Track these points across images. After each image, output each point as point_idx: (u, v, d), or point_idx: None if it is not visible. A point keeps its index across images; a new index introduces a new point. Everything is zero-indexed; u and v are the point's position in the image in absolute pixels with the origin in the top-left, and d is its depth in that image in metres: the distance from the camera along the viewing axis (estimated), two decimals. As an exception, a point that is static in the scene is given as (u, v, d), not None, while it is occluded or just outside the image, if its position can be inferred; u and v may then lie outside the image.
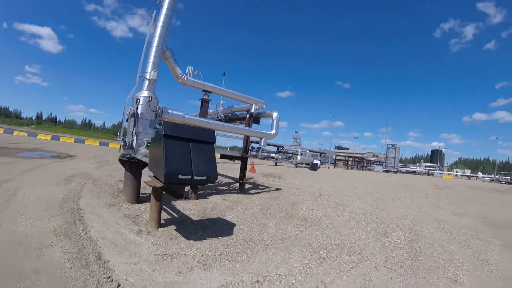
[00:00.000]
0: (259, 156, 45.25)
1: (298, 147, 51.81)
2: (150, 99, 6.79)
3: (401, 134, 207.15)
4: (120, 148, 6.95)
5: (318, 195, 11.67)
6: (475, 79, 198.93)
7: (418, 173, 68.60)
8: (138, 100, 6.76)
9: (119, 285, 3.24)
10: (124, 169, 7.10)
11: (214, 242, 4.90)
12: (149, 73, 7.09)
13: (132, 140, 6.63)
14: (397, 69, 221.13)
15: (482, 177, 67.64)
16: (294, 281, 3.83)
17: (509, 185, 43.44)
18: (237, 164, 11.92)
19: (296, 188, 13.65)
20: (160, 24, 7.54)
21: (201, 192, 8.90)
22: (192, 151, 4.42)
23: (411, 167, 79.58)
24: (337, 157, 69.93)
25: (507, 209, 13.92)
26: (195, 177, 4.28)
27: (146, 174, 7.25)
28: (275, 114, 11.19)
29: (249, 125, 11.15)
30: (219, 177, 12.76)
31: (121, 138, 6.80)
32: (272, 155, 43.75)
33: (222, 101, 12.46)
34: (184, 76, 8.51)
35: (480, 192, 23.45)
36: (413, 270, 4.60)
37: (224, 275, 3.78)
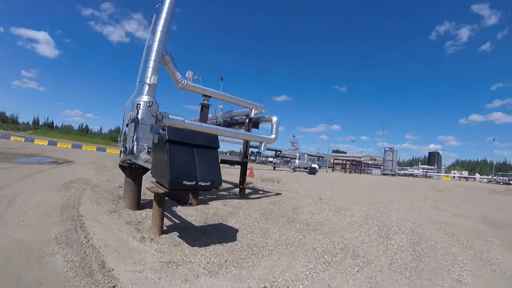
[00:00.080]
0: (257, 161, 45.21)
1: (296, 151, 51.80)
2: (150, 104, 6.76)
3: (398, 137, 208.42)
4: (120, 153, 6.89)
5: (318, 199, 11.64)
6: (471, 81, 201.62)
7: (416, 176, 68.68)
8: (139, 105, 6.72)
9: (124, 294, 3.18)
10: (124, 175, 7.04)
11: (219, 248, 4.85)
12: (149, 77, 7.07)
13: (133, 146, 6.58)
14: (393, 72, 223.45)
15: (480, 178, 67.91)
16: (301, 286, 3.82)
17: (507, 186, 43.62)
18: (235, 169, 11.88)
19: (296, 193, 13.62)
20: (159, 28, 7.55)
21: (201, 197, 8.83)
22: (196, 156, 4.39)
23: (408, 169, 79.78)
24: (335, 161, 69.96)
25: (506, 209, 13.97)
26: (199, 183, 4.24)
27: (147, 180, 7.29)
28: (274, 119, 11.20)
29: (248, 130, 11.14)
30: (219, 182, 12.69)
31: (122, 143, 6.74)
32: (270, 159, 43.71)
33: (221, 106, 12.43)
34: (184, 81, 8.49)
35: (479, 193, 23.53)
36: (418, 272, 4.64)
37: (231, 282, 3.74)
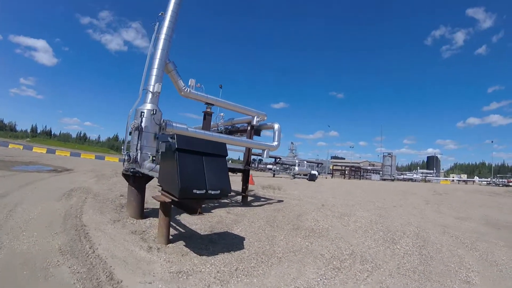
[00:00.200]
0: (256, 168, 45.12)
1: (295, 158, 51.87)
2: (154, 112, 6.74)
3: (396, 142, 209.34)
4: (123, 162, 6.83)
5: (321, 206, 11.60)
6: (467, 84, 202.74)
7: (415, 180, 68.77)
8: (142, 113, 6.69)
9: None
10: (126, 183, 6.98)
11: (227, 257, 4.79)
12: (153, 85, 7.06)
13: (137, 154, 6.53)
14: (390, 78, 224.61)
15: (479, 181, 68.12)
16: None
17: (507, 188, 43.75)
18: (237, 177, 11.83)
19: (297, 199, 13.58)
20: (162, 36, 7.56)
21: (204, 205, 8.77)
22: (205, 164, 4.35)
23: (407, 174, 79.93)
24: (334, 167, 70.00)
25: (507, 211, 14.04)
26: (209, 191, 4.19)
27: (148, 188, 7.23)
28: (276, 126, 11.21)
29: (250, 137, 11.13)
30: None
31: (125, 152, 6.68)
32: (269, 166, 43.68)
33: (222, 114, 12.45)
34: (187, 89, 8.49)
35: (479, 196, 23.60)
36: (426, 275, 4.68)
37: None
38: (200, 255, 4.72)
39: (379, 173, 69.44)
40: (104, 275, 3.63)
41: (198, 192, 4.10)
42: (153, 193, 8.84)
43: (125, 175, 6.87)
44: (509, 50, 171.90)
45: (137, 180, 6.69)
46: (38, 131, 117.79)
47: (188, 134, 7.59)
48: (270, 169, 42.17)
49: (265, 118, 11.27)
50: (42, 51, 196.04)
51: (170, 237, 5.31)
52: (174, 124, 7.34)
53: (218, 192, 4.36)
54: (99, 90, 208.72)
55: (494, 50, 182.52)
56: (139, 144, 6.52)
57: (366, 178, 66.33)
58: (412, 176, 75.27)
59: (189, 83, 8.60)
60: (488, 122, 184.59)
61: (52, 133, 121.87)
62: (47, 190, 9.12)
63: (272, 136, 11.47)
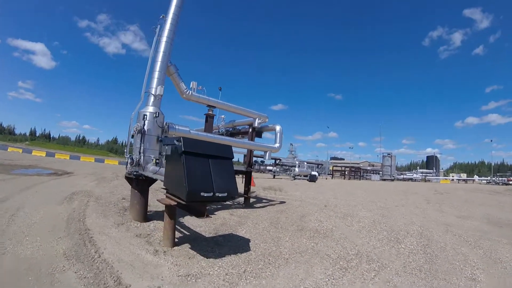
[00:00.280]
0: (256, 170, 45.12)
1: (295, 159, 51.83)
2: (156, 115, 6.71)
3: (395, 142, 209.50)
4: (126, 165, 6.79)
5: (323, 206, 11.60)
6: (465, 84, 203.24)
7: (415, 180, 68.82)
8: (145, 116, 6.66)
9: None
10: (127, 186, 6.94)
11: (235, 259, 4.76)
12: (155, 88, 7.04)
13: (140, 157, 6.49)
14: (388, 79, 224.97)
15: (479, 179, 68.12)
16: None
17: (506, 186, 43.78)
18: (237, 178, 11.81)
19: (299, 200, 13.58)
20: (164, 39, 7.55)
21: (207, 207, 8.74)
22: (212, 167, 4.32)
23: (407, 174, 79.94)
24: (334, 168, 70.03)
25: (508, 209, 14.11)
26: (216, 194, 4.17)
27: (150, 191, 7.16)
28: (278, 128, 11.21)
29: (252, 139, 11.13)
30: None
31: (128, 155, 6.64)
32: (269, 168, 43.64)
33: (223, 116, 12.45)
34: (189, 92, 8.48)
35: (479, 195, 23.69)
36: (432, 273, 4.72)
37: None
38: (207, 258, 4.68)
39: (379, 173, 69.46)
40: (112, 280, 3.58)
41: (205, 195, 4.07)
42: (155, 196, 8.85)
43: (128, 178, 6.84)
44: (507, 50, 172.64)
45: (140, 183, 6.66)
46: (37, 134, 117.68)
47: (190, 136, 7.56)
48: (270, 170, 42.16)
49: (267, 120, 11.26)
50: (41, 54, 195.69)
51: (176, 239, 5.27)
52: (176, 127, 7.31)
53: (226, 194, 4.33)
54: (97, 93, 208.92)
55: (491, 50, 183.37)
56: (142, 147, 6.49)
57: (366, 179, 66.39)
58: (412, 176, 75.29)
59: (191, 86, 8.58)
60: (486, 121, 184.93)
61: (51, 136, 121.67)
62: (48, 193, 9.06)
63: (271, 138, 11.49)
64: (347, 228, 7.74)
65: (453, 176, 77.53)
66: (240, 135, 12.37)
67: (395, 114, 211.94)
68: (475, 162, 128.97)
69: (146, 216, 6.86)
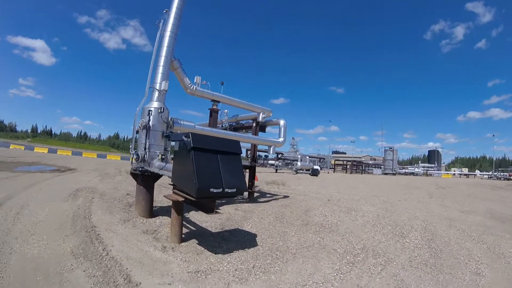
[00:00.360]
0: (259, 164, 45.18)
1: (297, 153, 51.83)
2: (161, 110, 6.65)
3: (397, 136, 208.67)
4: (131, 161, 6.76)
5: (327, 201, 11.61)
6: (467, 78, 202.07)
7: (417, 174, 68.87)
8: (150, 111, 6.60)
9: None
10: (131, 182, 6.92)
11: (243, 255, 4.75)
12: (159, 83, 6.96)
13: (145, 153, 6.46)
14: (389, 72, 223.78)
15: (480, 174, 68.18)
16: None
17: (508, 181, 43.83)
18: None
19: (303, 195, 13.59)
20: (167, 34, 7.44)
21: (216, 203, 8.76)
22: (221, 163, 4.28)
23: (409, 168, 79.98)
24: (336, 162, 70.05)
25: (510, 204, 14.12)
26: (226, 190, 4.14)
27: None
28: (282, 122, 11.17)
29: (256, 134, 11.10)
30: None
31: (133, 151, 6.60)
32: (271, 162, 43.65)
33: (226, 111, 12.39)
34: (193, 87, 8.40)
35: (481, 189, 23.73)
36: (438, 267, 4.77)
37: None
38: (216, 253, 4.67)
39: (380, 167, 69.44)
40: (122, 278, 3.54)
41: (215, 191, 4.04)
42: (158, 191, 8.83)
43: (133, 174, 6.81)
44: (509, 44, 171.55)
45: (145, 179, 6.63)
46: (39, 131, 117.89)
47: (195, 131, 7.50)
48: (272, 164, 42.19)
49: (271, 114, 11.20)
50: (41, 51, 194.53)
51: (182, 235, 5.26)
52: (181, 122, 7.26)
53: (235, 190, 4.30)
54: (98, 89, 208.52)
55: (494, 44, 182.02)
56: (147, 143, 6.44)
57: (368, 173, 66.44)
58: (414, 170, 75.36)
59: (195, 81, 8.50)
60: (488, 116, 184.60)
61: (53, 132, 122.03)
62: (52, 190, 9.06)
63: (274, 132, 11.44)
64: (351, 223, 7.75)
65: (454, 171, 77.52)
66: (243, 130, 12.33)
67: (397, 107, 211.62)
68: (476, 156, 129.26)
69: (152, 212, 6.85)
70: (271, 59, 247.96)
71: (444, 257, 5.28)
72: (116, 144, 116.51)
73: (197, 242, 5.20)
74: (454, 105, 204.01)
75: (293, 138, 67.93)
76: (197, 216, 7.12)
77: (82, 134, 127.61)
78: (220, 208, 8.49)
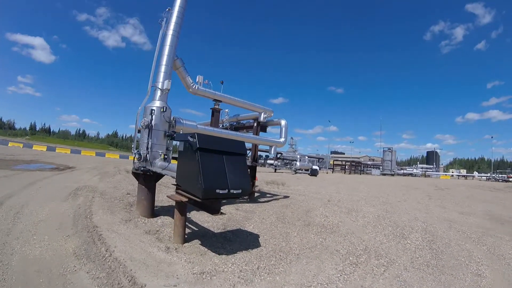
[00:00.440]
0: (258, 164, 45.03)
1: (295, 153, 51.78)
2: (164, 110, 6.61)
3: (395, 136, 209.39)
4: (133, 160, 6.71)
5: (327, 201, 11.62)
6: (466, 80, 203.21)
7: (415, 175, 68.95)
8: (153, 111, 6.55)
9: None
10: (131, 181, 6.88)
11: (247, 256, 4.74)
12: (162, 82, 6.91)
13: (147, 152, 6.42)
14: (389, 73, 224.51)
15: (479, 176, 68.34)
16: None
17: (506, 183, 43.98)
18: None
19: (303, 195, 13.59)
20: (170, 32, 7.39)
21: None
22: (226, 163, 4.26)
23: (407, 169, 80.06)
24: (335, 162, 70.08)
25: (509, 206, 14.13)
26: (231, 191, 4.11)
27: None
28: (283, 122, 11.16)
29: (257, 133, 11.08)
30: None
31: (136, 151, 6.55)
32: (270, 162, 43.59)
33: (227, 110, 12.35)
34: (195, 86, 8.36)
35: (480, 191, 23.79)
36: (439, 268, 4.82)
37: None
38: (219, 254, 4.65)
39: (379, 168, 69.46)
40: (126, 280, 3.49)
41: (221, 192, 4.02)
42: (158, 191, 8.77)
43: (135, 174, 6.76)
44: (509, 46, 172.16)
45: (147, 179, 6.59)
46: (37, 129, 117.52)
47: (197, 131, 7.45)
48: (271, 164, 42.12)
49: (272, 114, 11.18)
50: (40, 49, 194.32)
51: (185, 236, 5.22)
52: (183, 122, 7.22)
53: (240, 191, 4.27)
54: (97, 87, 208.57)
55: (493, 45, 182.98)
56: (149, 142, 6.40)
57: (367, 173, 66.53)
58: (412, 171, 75.44)
59: (197, 80, 8.46)
60: (487, 117, 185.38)
61: (51, 130, 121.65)
62: (52, 189, 8.99)
63: (273, 132, 11.42)
64: (352, 223, 7.76)
65: (452, 172, 77.70)
66: (244, 130, 12.30)
67: (396, 108, 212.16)
68: (475, 158, 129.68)
69: (153, 212, 6.82)
70: (270, 58, 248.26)
71: (445, 258, 5.32)
72: (114, 142, 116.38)
73: (200, 242, 5.17)
74: (453, 106, 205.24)
75: (291, 138, 67.84)
76: (198, 216, 7.09)
77: (80, 132, 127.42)
78: (222, 208, 8.44)
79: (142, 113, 6.81)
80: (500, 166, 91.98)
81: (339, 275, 4.27)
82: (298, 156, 43.45)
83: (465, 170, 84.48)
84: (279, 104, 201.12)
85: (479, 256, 5.55)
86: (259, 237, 5.94)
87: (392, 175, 62.25)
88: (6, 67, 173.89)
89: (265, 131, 11.88)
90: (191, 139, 4.17)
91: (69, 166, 17.82)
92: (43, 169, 15.17)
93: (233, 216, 7.65)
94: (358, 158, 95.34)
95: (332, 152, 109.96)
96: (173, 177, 5.10)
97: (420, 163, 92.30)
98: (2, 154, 21.34)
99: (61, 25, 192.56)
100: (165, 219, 6.56)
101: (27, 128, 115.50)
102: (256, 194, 12.08)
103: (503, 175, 60.35)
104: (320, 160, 64.11)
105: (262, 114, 10.78)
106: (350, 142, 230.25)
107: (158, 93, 6.87)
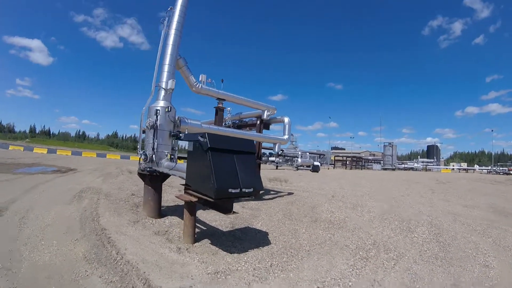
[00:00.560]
0: (262, 161, 44.96)
1: (296, 149, 51.71)
2: (169, 109, 6.56)
3: (395, 131, 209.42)
4: (139, 161, 6.68)
5: (331, 197, 11.60)
6: (465, 74, 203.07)
7: (416, 169, 68.96)
8: (157, 111, 6.50)
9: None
10: (137, 182, 6.84)
11: (258, 253, 4.74)
12: (165, 82, 6.86)
13: (153, 153, 6.38)
14: (388, 68, 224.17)
15: (479, 169, 68.37)
16: (350, 283, 3.89)
17: (507, 176, 44.03)
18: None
19: (306, 191, 13.56)
20: (172, 31, 7.32)
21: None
22: (237, 163, 4.24)
23: (408, 163, 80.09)
24: (336, 158, 70.06)
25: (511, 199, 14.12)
26: (243, 190, 4.11)
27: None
28: (286, 119, 11.13)
29: (260, 131, 11.05)
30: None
31: (141, 151, 6.51)
32: (271, 158, 43.54)
33: (229, 108, 12.29)
34: (198, 85, 8.31)
35: (482, 184, 23.79)
36: (448, 260, 4.89)
37: (283, 286, 3.68)
38: (231, 253, 4.64)
39: (380, 163, 69.45)
40: (141, 283, 3.44)
41: (233, 191, 4.01)
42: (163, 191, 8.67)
43: (141, 175, 6.73)
44: (507, 40, 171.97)
45: (154, 179, 6.56)
46: (37, 131, 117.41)
47: (202, 130, 7.43)
48: (273, 161, 42.09)
49: (275, 111, 11.16)
50: (37, 51, 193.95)
51: (195, 235, 5.20)
52: (188, 121, 7.17)
53: (252, 190, 4.27)
54: (96, 88, 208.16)
55: (491, 39, 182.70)
56: (155, 143, 6.36)
57: (368, 168, 66.56)
58: (413, 165, 75.41)
59: (200, 79, 8.41)
60: (487, 111, 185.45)
61: (51, 132, 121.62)
62: (55, 192, 8.93)
63: (275, 129, 11.40)
64: (359, 219, 7.78)
65: (453, 166, 77.73)
66: (247, 128, 12.26)
67: (395, 103, 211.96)
68: (475, 151, 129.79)
69: (160, 212, 6.80)
70: (269, 56, 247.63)
71: (453, 251, 5.37)
72: (115, 143, 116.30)
73: (210, 242, 5.15)
74: (452, 100, 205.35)
75: (292, 135, 67.69)
76: (205, 215, 7.07)
77: (80, 133, 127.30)
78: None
79: (147, 113, 6.76)
80: (501, 159, 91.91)
81: (351, 269, 4.31)
82: (300, 153, 43.37)
83: (465, 164, 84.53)
84: (278, 101, 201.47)
85: (486, 248, 5.60)
86: (268, 234, 5.94)
87: (393, 169, 62.20)
88: (4, 70, 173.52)
89: (268, 128, 11.86)
90: (201, 139, 4.14)
91: (71, 168, 17.75)
92: (45, 172, 15.11)
93: (240, 214, 7.62)
94: (359, 153, 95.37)
95: (333, 148, 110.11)
96: (182, 177, 5.07)
97: (420, 157, 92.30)
98: (3, 158, 21.27)
99: (59, 26, 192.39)
100: (172, 219, 6.54)
101: (27, 131, 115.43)
102: (260, 192, 12.05)
103: (504, 168, 60.31)
104: (321, 156, 63.96)
105: (266, 111, 10.75)
106: (350, 137, 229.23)
107: (162, 92, 6.82)
